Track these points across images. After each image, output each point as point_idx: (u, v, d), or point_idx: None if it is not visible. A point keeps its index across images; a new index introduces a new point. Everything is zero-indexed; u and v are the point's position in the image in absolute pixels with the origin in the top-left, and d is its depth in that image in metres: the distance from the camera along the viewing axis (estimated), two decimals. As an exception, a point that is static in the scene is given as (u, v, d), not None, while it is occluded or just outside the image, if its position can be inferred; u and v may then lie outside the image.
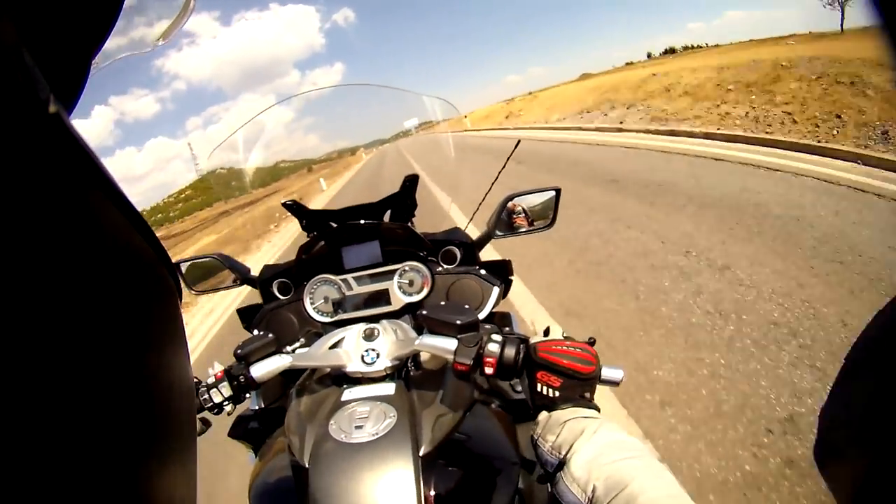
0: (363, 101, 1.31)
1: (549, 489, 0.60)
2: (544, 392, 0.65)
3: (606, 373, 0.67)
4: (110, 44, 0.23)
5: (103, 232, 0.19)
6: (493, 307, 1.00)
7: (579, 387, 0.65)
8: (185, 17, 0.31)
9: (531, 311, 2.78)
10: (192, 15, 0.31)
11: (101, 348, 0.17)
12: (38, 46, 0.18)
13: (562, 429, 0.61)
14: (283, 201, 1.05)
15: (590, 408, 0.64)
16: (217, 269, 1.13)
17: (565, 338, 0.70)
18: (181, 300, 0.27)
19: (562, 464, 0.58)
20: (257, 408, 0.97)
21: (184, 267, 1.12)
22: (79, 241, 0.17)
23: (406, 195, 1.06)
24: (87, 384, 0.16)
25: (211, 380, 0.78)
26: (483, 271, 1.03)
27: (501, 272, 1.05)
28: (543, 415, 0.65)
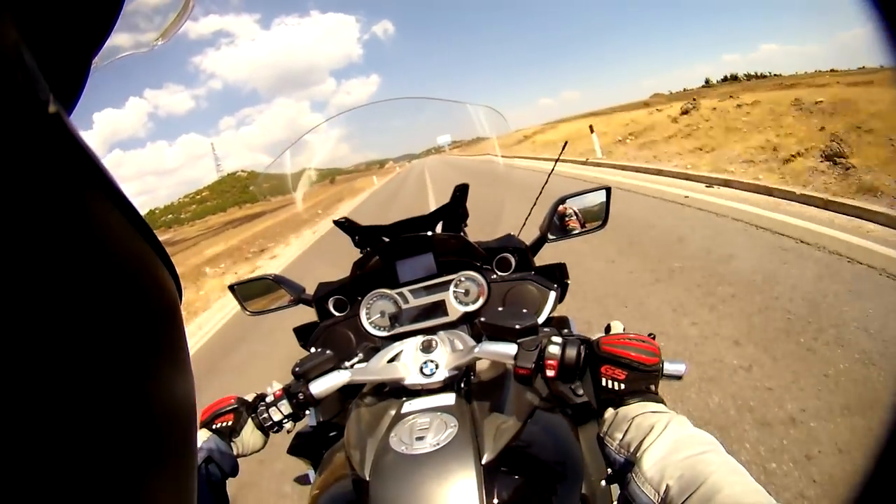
0: (407, 113, 1.30)
1: (620, 490, 0.58)
2: (610, 386, 0.64)
3: (669, 367, 0.66)
4: (110, 43, 0.24)
5: (103, 233, 0.19)
6: (552, 311, 1.00)
7: (644, 379, 0.64)
8: (184, 18, 0.31)
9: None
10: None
11: (100, 350, 0.17)
12: (39, 46, 0.18)
13: (629, 425, 0.59)
14: (334, 219, 1.05)
15: (657, 401, 0.63)
16: (271, 289, 1.14)
17: (626, 332, 0.69)
18: (182, 300, 0.27)
19: (631, 463, 0.56)
20: (315, 424, 0.98)
21: (239, 290, 1.13)
22: (78, 241, 0.17)
23: (457, 205, 1.05)
24: (85, 387, 0.16)
25: (270, 398, 0.79)
26: (539, 276, 1.03)
27: (557, 276, 1.05)
28: (610, 412, 0.64)
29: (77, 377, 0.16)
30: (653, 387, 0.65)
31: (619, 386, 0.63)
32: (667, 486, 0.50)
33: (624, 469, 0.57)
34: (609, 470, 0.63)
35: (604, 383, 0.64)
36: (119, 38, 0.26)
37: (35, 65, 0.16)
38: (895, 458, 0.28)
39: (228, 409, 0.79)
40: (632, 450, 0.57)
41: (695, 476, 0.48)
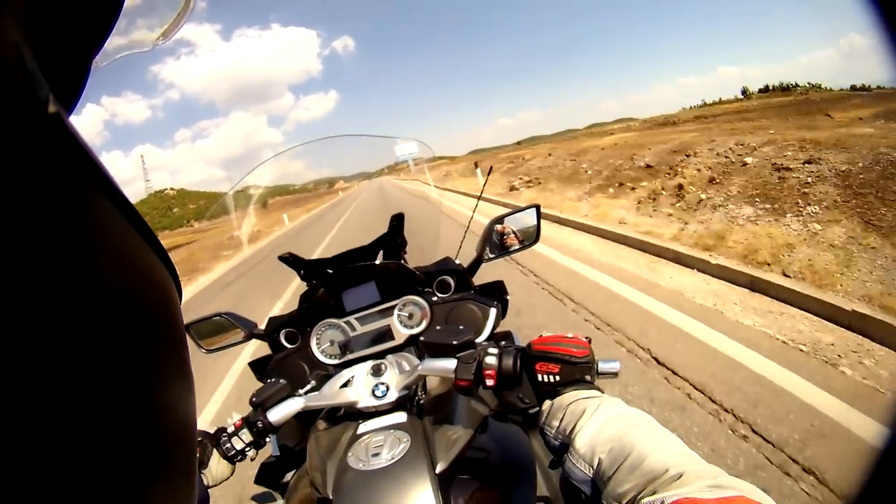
0: (342, 146, 1.41)
1: (560, 472, 0.61)
2: (545, 380, 0.68)
3: (603, 365, 0.70)
4: (110, 43, 0.23)
5: (102, 232, 0.19)
6: (494, 327, 1.04)
7: (578, 371, 0.68)
8: (184, 17, 0.31)
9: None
10: (192, 22, 0.31)
11: (100, 348, 0.17)
12: (39, 46, 0.18)
13: (565, 412, 0.62)
14: (279, 255, 1.10)
15: (591, 389, 0.67)
16: (225, 326, 1.17)
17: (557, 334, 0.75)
18: (181, 300, 0.26)
19: (567, 445, 0.59)
20: (278, 454, 1.02)
21: (193, 329, 1.16)
22: (77, 240, 0.17)
23: (395, 234, 1.11)
24: (83, 386, 0.16)
25: (231, 429, 0.83)
26: (478, 295, 1.08)
27: (496, 293, 1.10)
28: (547, 403, 0.67)
29: (76, 376, 0.16)
30: (588, 377, 0.69)
31: (555, 378, 0.68)
32: (599, 459, 0.53)
33: (561, 451, 0.61)
34: (552, 457, 0.66)
35: (540, 378, 0.69)
36: (120, 38, 0.26)
37: (35, 65, 0.16)
38: (894, 462, 0.28)
39: None
40: (567, 433, 0.60)
41: (623, 447, 0.51)
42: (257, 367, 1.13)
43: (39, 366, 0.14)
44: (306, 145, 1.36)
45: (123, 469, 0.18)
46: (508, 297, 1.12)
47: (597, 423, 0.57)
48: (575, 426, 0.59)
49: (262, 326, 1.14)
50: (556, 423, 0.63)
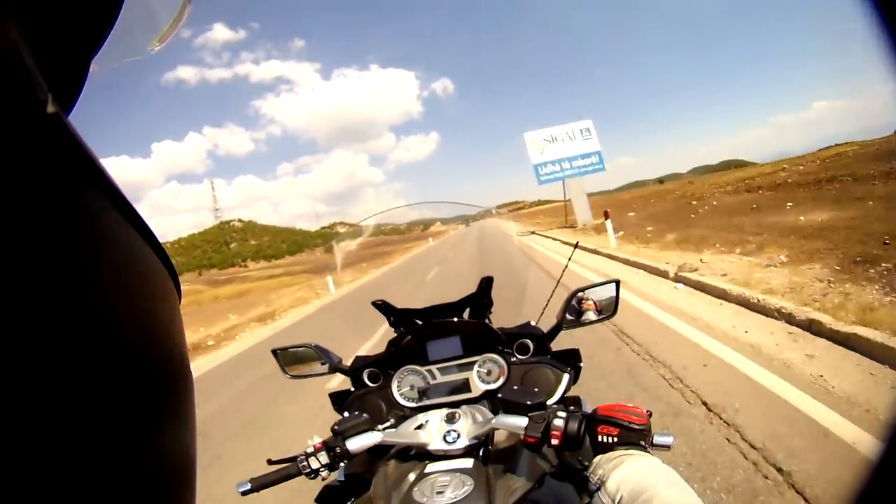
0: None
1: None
2: (604, 441, 0.77)
3: (658, 437, 0.80)
4: (108, 49, 0.24)
5: (102, 231, 0.19)
6: (565, 391, 1.10)
7: (634, 436, 0.76)
8: (179, 23, 0.31)
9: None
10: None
11: (100, 347, 0.17)
12: (38, 47, 0.18)
13: (609, 464, 0.72)
14: (372, 301, 1.20)
15: (638, 449, 0.75)
16: (310, 357, 1.29)
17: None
18: (180, 300, 0.26)
19: (601, 486, 0.69)
20: (343, 479, 1.09)
21: (281, 355, 1.29)
22: (77, 240, 0.17)
23: (483, 294, 1.19)
24: (83, 385, 0.16)
25: (310, 450, 0.91)
26: (553, 360, 1.14)
27: (571, 360, 1.16)
28: (597, 458, 0.76)
29: (73, 376, 0.16)
30: (643, 442, 0.77)
31: (613, 440, 0.77)
32: (621, 497, 0.64)
33: (593, 492, 0.71)
34: (587, 499, 0.74)
35: (599, 439, 0.78)
36: (117, 44, 0.26)
37: (34, 65, 0.16)
38: (895, 460, 0.28)
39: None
40: (605, 478, 0.70)
41: (643, 488, 0.62)
42: (336, 398, 1.23)
43: (38, 365, 0.14)
44: (398, 210, 1.57)
45: (124, 417, 0.18)
46: (582, 365, 1.19)
47: (627, 470, 0.67)
48: (611, 473, 0.68)
49: (347, 363, 1.23)
50: (599, 472, 0.72)
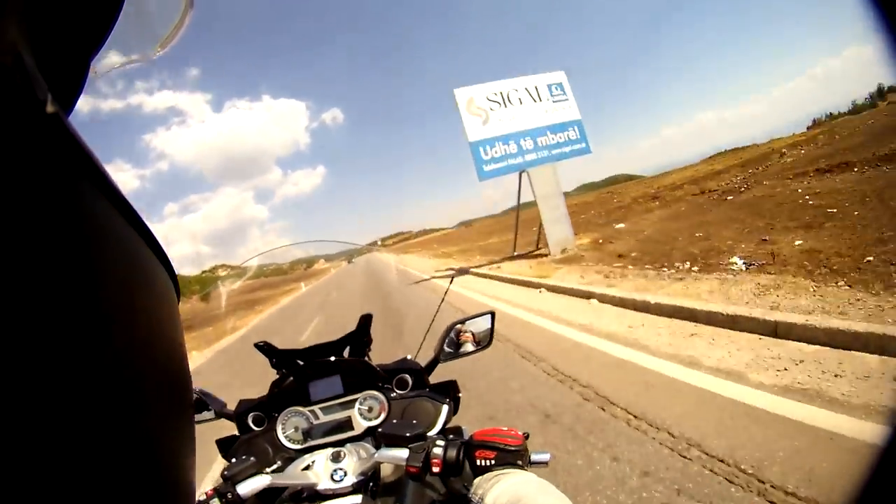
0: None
1: None
2: (483, 464, 0.82)
3: (535, 456, 0.86)
4: (108, 54, 0.24)
5: (101, 231, 0.19)
6: (446, 422, 1.16)
7: (510, 457, 0.82)
8: (181, 29, 0.31)
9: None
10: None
11: (100, 347, 0.17)
12: (38, 48, 0.18)
13: (487, 483, 0.76)
14: (255, 343, 1.21)
15: (516, 468, 0.80)
16: (197, 404, 1.29)
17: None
18: (179, 300, 0.26)
19: (481, 502, 0.74)
20: None
21: None
22: (76, 240, 0.17)
23: (362, 332, 1.24)
24: (84, 380, 0.16)
25: (202, 497, 0.90)
26: (432, 392, 1.20)
27: (449, 391, 1.21)
28: (477, 479, 0.80)
29: (75, 374, 0.16)
30: (520, 462, 0.82)
31: (490, 463, 0.82)
32: None
33: None
34: None
35: (478, 463, 0.83)
36: (118, 48, 0.26)
37: (34, 65, 0.16)
38: (895, 460, 0.27)
39: None
40: (483, 497, 0.74)
41: (517, 499, 0.67)
42: (223, 445, 1.21)
43: (37, 364, 0.14)
44: (277, 251, 1.54)
45: (123, 432, 0.17)
46: (461, 395, 1.24)
47: (505, 485, 0.72)
48: (489, 491, 0.73)
49: (231, 407, 1.23)
50: (479, 492, 0.76)
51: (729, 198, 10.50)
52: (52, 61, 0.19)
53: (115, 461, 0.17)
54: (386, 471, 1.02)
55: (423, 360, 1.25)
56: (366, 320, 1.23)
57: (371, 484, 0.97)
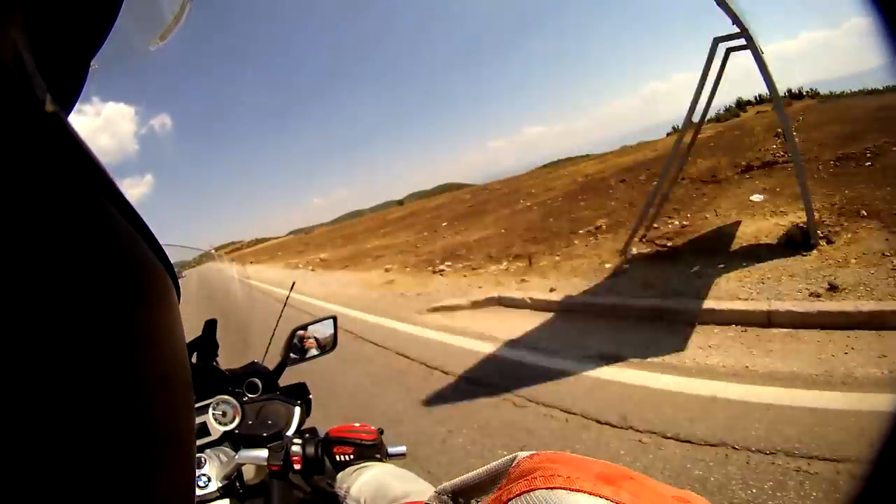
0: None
1: None
2: (342, 460, 0.85)
3: (392, 449, 0.90)
4: (108, 48, 0.24)
5: (100, 230, 0.19)
6: (301, 423, 1.16)
7: (368, 451, 0.85)
8: (180, 21, 0.31)
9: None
10: (188, 16, 0.31)
11: (99, 346, 0.17)
12: (38, 47, 0.18)
13: (350, 476, 0.79)
14: None
15: (375, 461, 0.85)
16: None
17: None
18: (179, 300, 0.27)
19: (346, 496, 0.76)
20: None
21: None
22: (76, 239, 0.17)
23: (208, 337, 1.24)
24: (85, 380, 0.16)
25: None
26: (283, 395, 1.20)
27: (300, 393, 1.23)
28: (340, 474, 0.83)
29: (74, 375, 0.16)
30: (377, 456, 0.85)
31: (349, 458, 0.84)
32: (364, 499, 0.70)
33: (342, 501, 0.77)
34: None
35: (338, 458, 0.85)
36: (118, 43, 0.26)
37: (33, 64, 0.16)
38: (895, 459, 0.27)
39: None
40: (348, 490, 0.76)
41: (380, 486, 0.70)
42: None
43: (36, 365, 0.14)
44: None
45: (121, 447, 0.18)
46: (311, 397, 1.25)
47: (366, 476, 0.75)
48: (353, 482, 0.76)
49: None
50: (344, 486, 0.78)
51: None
52: (52, 61, 0.19)
53: (115, 459, 0.17)
54: (249, 473, 1.02)
55: (270, 364, 1.26)
56: (211, 325, 1.24)
57: (236, 486, 0.98)
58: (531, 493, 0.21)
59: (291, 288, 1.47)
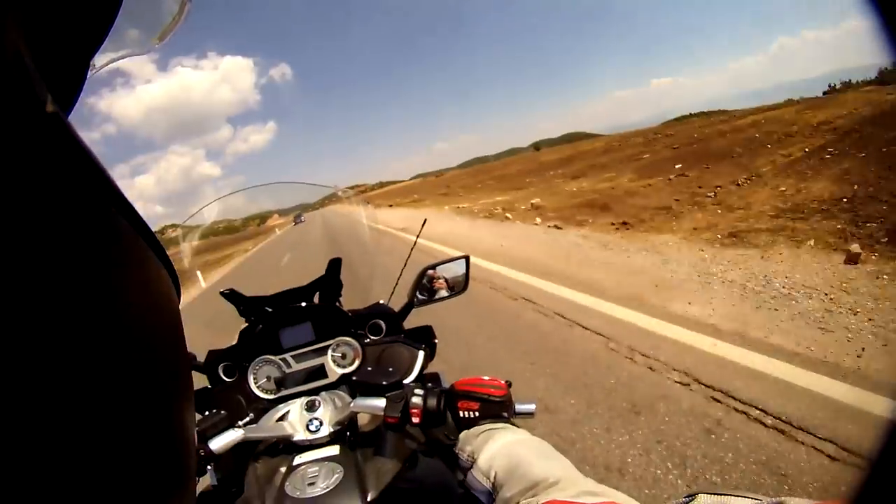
0: (284, 191, 1.58)
1: (461, 485, 0.70)
2: (467, 416, 0.78)
3: (520, 405, 0.81)
4: (108, 45, 0.23)
5: (101, 231, 0.19)
6: (423, 368, 1.11)
7: (495, 408, 0.77)
8: (181, 18, 0.31)
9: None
10: (187, 18, 0.31)
11: (100, 346, 0.17)
12: (37, 47, 0.18)
13: (476, 439, 0.72)
14: (220, 290, 1.15)
15: (503, 421, 0.76)
16: None
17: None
18: (180, 299, 0.27)
19: (473, 463, 0.68)
20: (216, 483, 1.06)
21: None
22: (75, 239, 0.17)
23: (332, 277, 1.18)
24: (85, 380, 0.16)
25: None
26: (407, 339, 1.16)
27: (425, 337, 1.18)
28: (463, 433, 0.76)
29: (75, 375, 0.16)
30: (505, 414, 0.78)
31: (475, 415, 0.77)
32: (495, 473, 0.62)
33: (466, 469, 0.70)
34: (461, 476, 0.72)
35: (461, 415, 0.78)
36: (117, 41, 0.26)
37: (33, 64, 0.16)
38: (895, 459, 0.28)
39: None
40: (475, 455, 0.69)
41: (516, 462, 0.61)
42: (195, 399, 1.20)
43: (36, 366, 0.14)
44: (237, 194, 1.44)
45: (124, 471, 0.18)
46: (437, 341, 1.20)
47: (497, 444, 0.67)
48: (482, 449, 0.68)
49: (201, 359, 1.19)
50: (468, 448, 0.71)
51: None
52: (52, 61, 0.19)
53: (116, 457, 0.17)
54: (363, 420, 0.97)
55: (396, 306, 1.21)
56: (335, 264, 1.18)
57: (348, 434, 0.93)
58: None
59: (423, 224, 1.38)
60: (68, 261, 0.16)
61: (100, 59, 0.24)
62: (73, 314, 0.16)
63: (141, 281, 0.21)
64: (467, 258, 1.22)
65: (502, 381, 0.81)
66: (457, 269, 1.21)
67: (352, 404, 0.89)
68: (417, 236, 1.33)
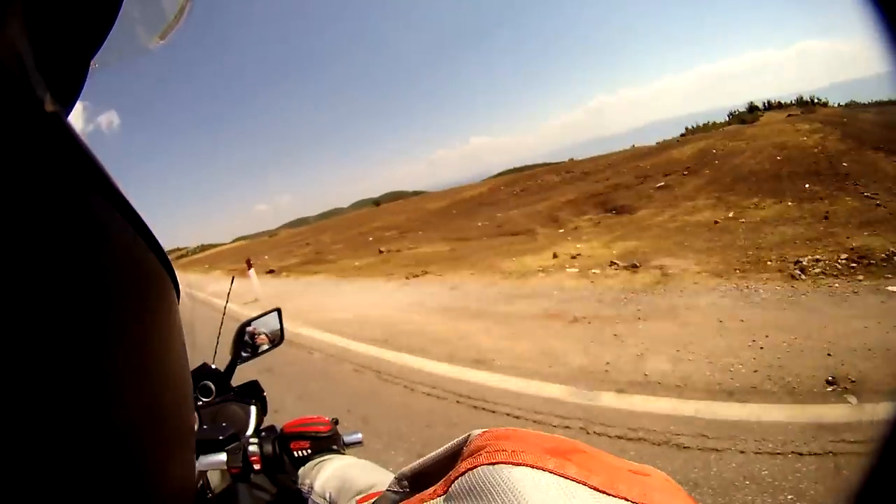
0: None
1: None
2: (301, 455, 0.86)
3: (348, 437, 0.91)
4: (108, 46, 0.23)
5: (101, 231, 0.18)
6: (258, 423, 1.15)
7: (324, 443, 0.86)
8: (182, 17, 0.31)
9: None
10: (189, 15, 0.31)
11: (100, 347, 0.17)
12: (38, 47, 0.18)
13: (311, 471, 0.79)
14: None
15: (333, 453, 0.85)
16: None
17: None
18: (179, 299, 0.27)
19: (311, 491, 0.76)
20: None
21: None
22: (75, 240, 0.17)
23: None
24: (85, 381, 0.16)
25: None
26: (237, 396, 1.19)
27: (254, 392, 1.21)
28: (301, 469, 0.83)
29: (75, 375, 0.16)
30: (335, 447, 0.86)
31: (307, 453, 0.85)
32: (329, 493, 0.70)
33: (307, 498, 0.77)
34: None
35: (296, 454, 0.86)
36: (117, 41, 0.26)
37: (33, 64, 0.16)
38: (895, 458, 0.27)
39: None
40: (312, 484, 0.76)
41: (344, 479, 0.70)
42: None
43: (35, 366, 0.14)
44: None
45: (123, 445, 0.18)
46: (265, 395, 1.23)
47: (329, 471, 0.75)
48: (316, 477, 0.75)
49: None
50: (306, 481, 0.77)
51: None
52: (52, 61, 0.19)
53: (116, 458, 0.17)
54: (214, 480, 1.01)
55: (221, 365, 1.23)
56: None
57: (201, 495, 0.97)
58: (474, 471, 0.20)
59: (229, 292, 1.41)
60: (68, 260, 0.16)
61: (101, 59, 0.24)
62: (72, 314, 0.16)
63: (140, 280, 0.21)
64: (279, 311, 1.29)
65: (327, 418, 0.90)
66: (272, 322, 1.26)
67: (197, 464, 0.91)
68: (228, 295, 1.34)
